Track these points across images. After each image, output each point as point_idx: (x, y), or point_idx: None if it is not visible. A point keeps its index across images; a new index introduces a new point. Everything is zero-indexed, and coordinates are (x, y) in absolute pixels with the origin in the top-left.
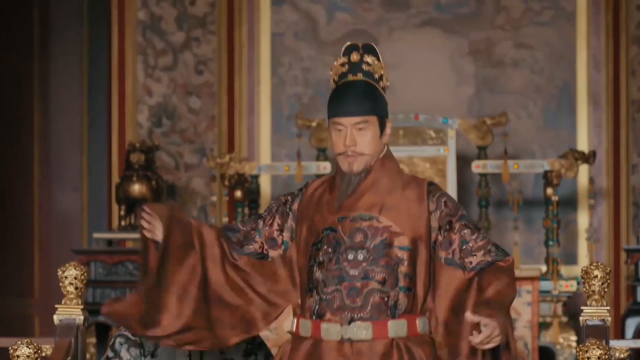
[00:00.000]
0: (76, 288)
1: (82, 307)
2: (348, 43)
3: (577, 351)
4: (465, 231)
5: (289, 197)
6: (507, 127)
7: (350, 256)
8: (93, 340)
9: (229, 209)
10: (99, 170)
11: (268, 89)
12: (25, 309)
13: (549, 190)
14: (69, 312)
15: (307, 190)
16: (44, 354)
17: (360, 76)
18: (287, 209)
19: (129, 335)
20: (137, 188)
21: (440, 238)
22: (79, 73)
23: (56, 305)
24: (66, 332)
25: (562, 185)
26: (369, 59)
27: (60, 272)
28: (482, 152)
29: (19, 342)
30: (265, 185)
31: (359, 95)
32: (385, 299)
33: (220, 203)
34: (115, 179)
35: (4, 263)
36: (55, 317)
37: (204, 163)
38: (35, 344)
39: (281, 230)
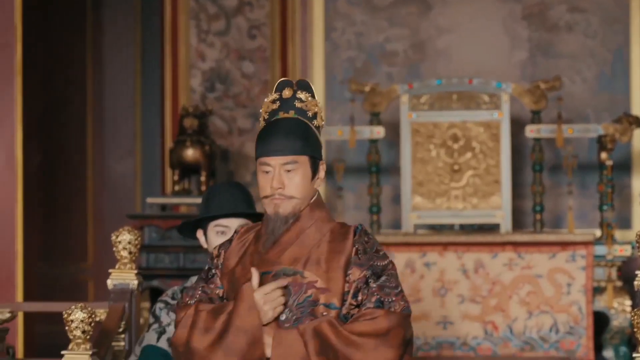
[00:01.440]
0: (130, 253)
1: (135, 271)
2: (281, 79)
3: (631, 316)
4: (364, 283)
5: (219, 249)
6: (561, 92)
7: None
8: (147, 305)
9: None
10: (152, 135)
11: (321, 54)
12: (79, 274)
13: (603, 155)
14: (123, 276)
15: (234, 239)
16: (97, 319)
17: (292, 113)
18: (219, 262)
19: (169, 300)
20: (190, 153)
21: (360, 298)
22: (132, 39)
23: (110, 270)
24: (120, 297)
25: (616, 150)
26: (302, 95)
27: (114, 237)
28: (536, 117)
29: (73, 307)
30: None
31: (288, 133)
32: None
33: None
34: (169, 144)
35: (58, 229)
36: (109, 281)
37: (257, 128)
38: (89, 308)
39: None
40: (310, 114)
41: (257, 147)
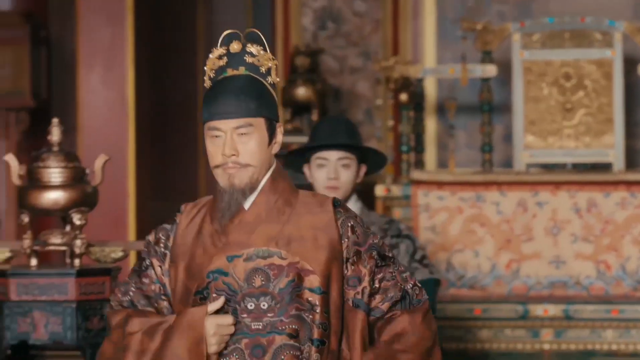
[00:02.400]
0: None
1: None
2: (226, 31)
3: None
4: (376, 265)
5: (160, 234)
6: None
7: (251, 305)
8: None
9: (394, 112)
10: None
11: None
12: None
13: None
14: None
15: (181, 218)
16: None
17: (242, 70)
18: (162, 247)
19: None
20: (302, 92)
21: (348, 273)
22: None
23: None
24: None
25: None
26: (252, 48)
27: None
28: None
29: None
30: (430, 88)
31: (240, 92)
32: (299, 356)
33: (385, 106)
34: (280, 82)
35: (168, 168)
36: None
37: (369, 66)
38: None
39: (164, 275)
40: (263, 69)
41: (203, 110)
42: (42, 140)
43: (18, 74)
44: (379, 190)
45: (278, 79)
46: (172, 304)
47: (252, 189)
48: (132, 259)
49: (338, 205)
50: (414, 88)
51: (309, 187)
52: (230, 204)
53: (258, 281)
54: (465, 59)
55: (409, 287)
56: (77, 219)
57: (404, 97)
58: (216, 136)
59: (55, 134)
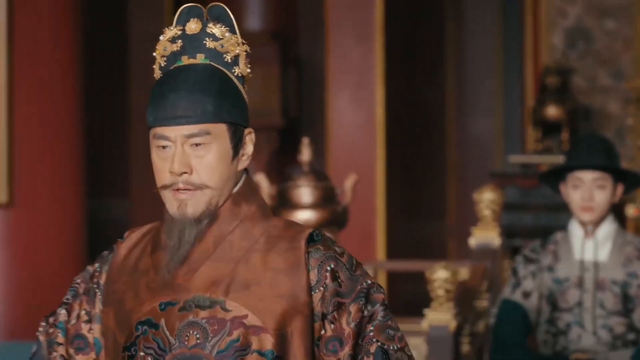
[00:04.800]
0: (492, 211)
1: (498, 230)
2: (184, 5)
3: None
4: (362, 319)
5: (96, 265)
6: None
7: None
8: (508, 264)
9: None
10: (513, 93)
11: None
12: (439, 233)
13: None
14: (485, 235)
15: (119, 249)
16: (460, 278)
17: (200, 58)
18: (94, 285)
19: (528, 253)
20: (552, 111)
21: (325, 332)
22: None
23: (472, 228)
24: (482, 256)
25: None
26: (215, 29)
27: (476, 196)
28: None
29: (436, 266)
30: None
31: (194, 89)
32: None
33: (636, 126)
34: (530, 102)
35: (418, 186)
36: (471, 240)
37: (620, 85)
38: (451, 267)
39: (90, 321)
40: (228, 58)
41: (148, 111)
42: (292, 159)
43: (268, 94)
44: (630, 211)
45: (249, 70)
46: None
47: (210, 217)
48: (381, 279)
49: (317, 239)
50: None
51: (563, 206)
52: (181, 242)
53: (192, 339)
54: None
55: (392, 347)
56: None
57: None
58: (163, 147)
59: (305, 154)
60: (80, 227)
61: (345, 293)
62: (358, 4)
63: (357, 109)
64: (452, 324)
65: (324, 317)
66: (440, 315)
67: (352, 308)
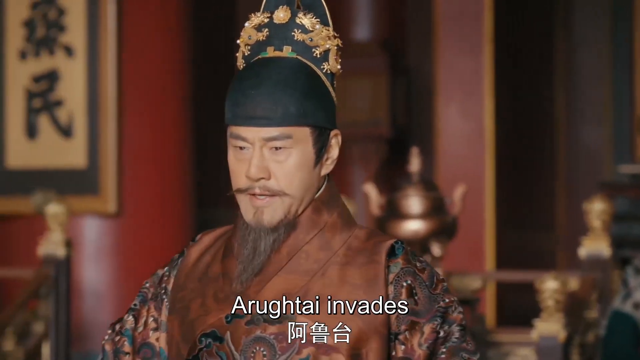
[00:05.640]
0: (602, 222)
1: (608, 241)
2: None
3: None
4: (436, 341)
5: (166, 269)
6: None
7: None
8: (618, 274)
9: None
10: (623, 102)
11: None
12: (549, 243)
13: None
14: (595, 246)
15: (190, 252)
16: (569, 288)
17: (287, 51)
18: (162, 290)
19: (638, 264)
20: None
21: (395, 354)
22: (605, 4)
23: (582, 239)
24: (592, 266)
25: None
26: (305, 20)
27: (586, 206)
28: None
29: (546, 276)
30: None
31: (277, 87)
32: None
33: None
34: (639, 111)
35: (526, 196)
36: (580, 250)
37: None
38: (561, 278)
39: (158, 329)
40: (317, 52)
41: (226, 106)
42: (400, 169)
43: (376, 104)
44: None
45: (339, 67)
46: None
47: (289, 226)
48: (490, 289)
49: (398, 253)
50: None
51: None
52: (256, 252)
53: (258, 355)
54: None
55: None
56: (436, 250)
57: None
58: (240, 147)
59: (414, 164)
60: (188, 236)
61: (421, 312)
62: (467, 14)
63: (465, 119)
64: (562, 335)
65: (395, 336)
66: (549, 326)
67: (426, 328)
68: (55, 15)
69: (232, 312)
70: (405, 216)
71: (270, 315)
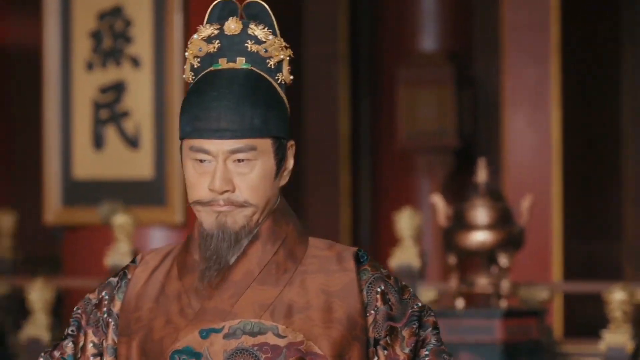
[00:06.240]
0: None
1: None
2: (218, 0)
3: None
4: (416, 343)
5: (104, 293)
6: None
7: None
8: None
9: None
10: None
11: None
12: (616, 254)
13: None
14: None
15: (135, 274)
16: (637, 300)
17: (240, 62)
18: (104, 315)
19: None
20: None
21: (379, 357)
22: None
23: None
24: None
25: None
26: (258, 31)
27: None
28: None
29: (614, 287)
30: None
31: (241, 99)
32: None
33: None
34: None
35: (593, 208)
36: None
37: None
38: (629, 289)
39: (100, 354)
40: (271, 63)
41: (182, 119)
42: (467, 180)
43: (442, 114)
44: None
45: (292, 77)
46: None
47: (249, 234)
48: (557, 301)
49: (363, 260)
50: None
51: None
52: (219, 255)
53: None
54: None
55: None
56: (503, 260)
57: None
58: (201, 160)
59: (481, 175)
60: None
61: (397, 317)
62: (534, 25)
63: (532, 129)
64: (630, 346)
65: (376, 342)
66: (617, 337)
67: (405, 332)
68: (121, 26)
69: (207, 327)
70: (472, 227)
71: (249, 328)
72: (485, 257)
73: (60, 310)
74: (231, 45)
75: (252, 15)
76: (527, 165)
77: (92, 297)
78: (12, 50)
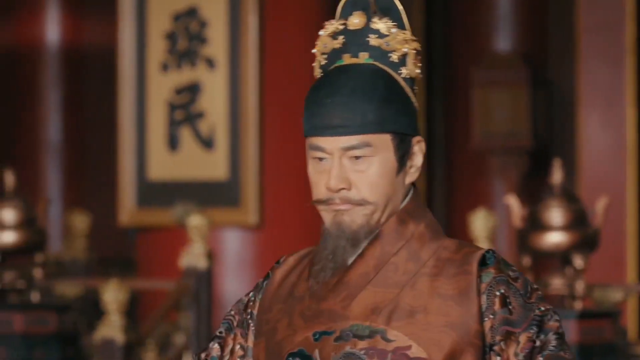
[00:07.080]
0: None
1: None
2: None
3: None
4: (532, 350)
5: (251, 294)
6: None
7: None
8: None
9: None
10: None
11: None
12: None
13: None
14: None
15: (275, 275)
16: None
17: (363, 57)
18: (248, 316)
19: None
20: None
21: None
22: None
23: None
24: None
25: None
26: (380, 25)
27: None
28: None
29: None
30: None
31: (354, 95)
32: None
33: None
34: None
35: None
36: None
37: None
38: None
39: (244, 356)
40: (395, 57)
41: (304, 118)
42: (542, 181)
43: (517, 115)
44: None
45: (419, 71)
46: None
47: (370, 234)
48: (631, 303)
49: (489, 262)
50: None
51: None
52: (336, 254)
53: None
54: None
55: None
56: (578, 262)
57: None
58: (319, 159)
59: (556, 176)
60: None
61: (516, 322)
62: (608, 25)
63: (607, 130)
64: None
65: (490, 347)
66: None
67: (522, 338)
68: (197, 27)
69: (320, 330)
70: (547, 228)
71: (359, 331)
72: (560, 258)
73: (133, 311)
74: (354, 40)
75: (384, 9)
76: (602, 166)
77: (245, 298)
78: (88, 52)
